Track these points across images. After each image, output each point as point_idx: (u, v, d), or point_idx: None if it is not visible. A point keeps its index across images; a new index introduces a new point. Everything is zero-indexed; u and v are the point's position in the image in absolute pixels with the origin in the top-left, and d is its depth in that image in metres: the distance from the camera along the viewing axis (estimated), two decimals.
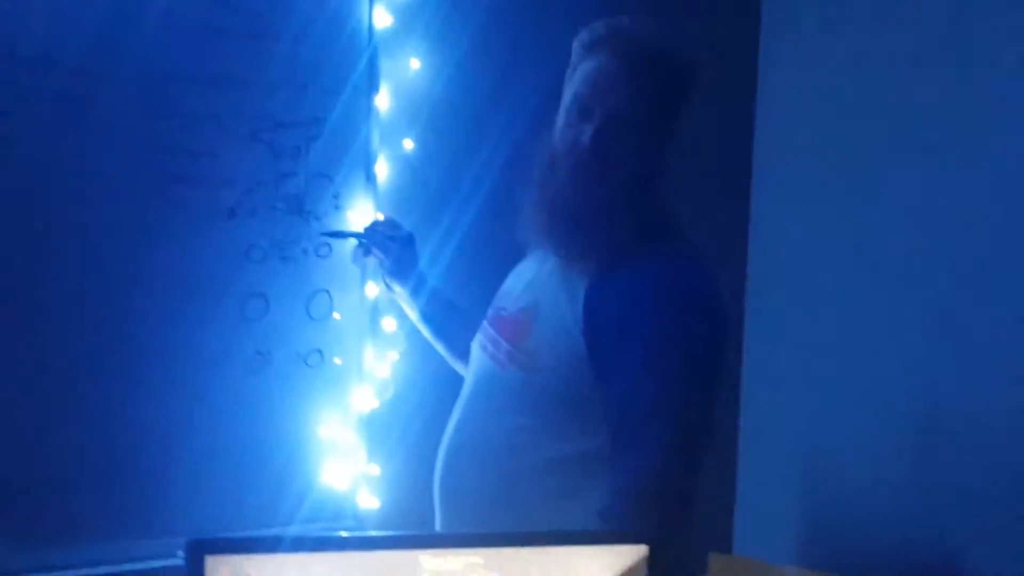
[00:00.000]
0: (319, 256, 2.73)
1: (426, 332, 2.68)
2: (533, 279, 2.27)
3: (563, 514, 2.08)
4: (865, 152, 2.92)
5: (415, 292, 2.64)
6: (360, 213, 2.76)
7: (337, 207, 2.75)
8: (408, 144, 2.83)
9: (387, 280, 2.68)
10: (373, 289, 2.77)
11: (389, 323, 2.80)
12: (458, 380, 2.40)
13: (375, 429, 2.79)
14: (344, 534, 2.44)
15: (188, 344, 2.59)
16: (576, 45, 2.20)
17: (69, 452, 2.48)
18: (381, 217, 2.76)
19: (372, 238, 2.66)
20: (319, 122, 2.70)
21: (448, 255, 2.80)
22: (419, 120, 2.84)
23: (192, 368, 2.61)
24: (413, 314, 2.68)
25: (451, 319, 2.63)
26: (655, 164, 2.15)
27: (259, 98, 2.63)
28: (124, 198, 2.50)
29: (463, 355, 2.50)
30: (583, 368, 2.07)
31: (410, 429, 2.61)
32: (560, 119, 2.17)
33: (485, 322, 2.33)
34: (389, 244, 2.64)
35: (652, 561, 1.78)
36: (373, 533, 2.57)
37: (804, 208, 3.10)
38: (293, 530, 2.51)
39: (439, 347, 2.67)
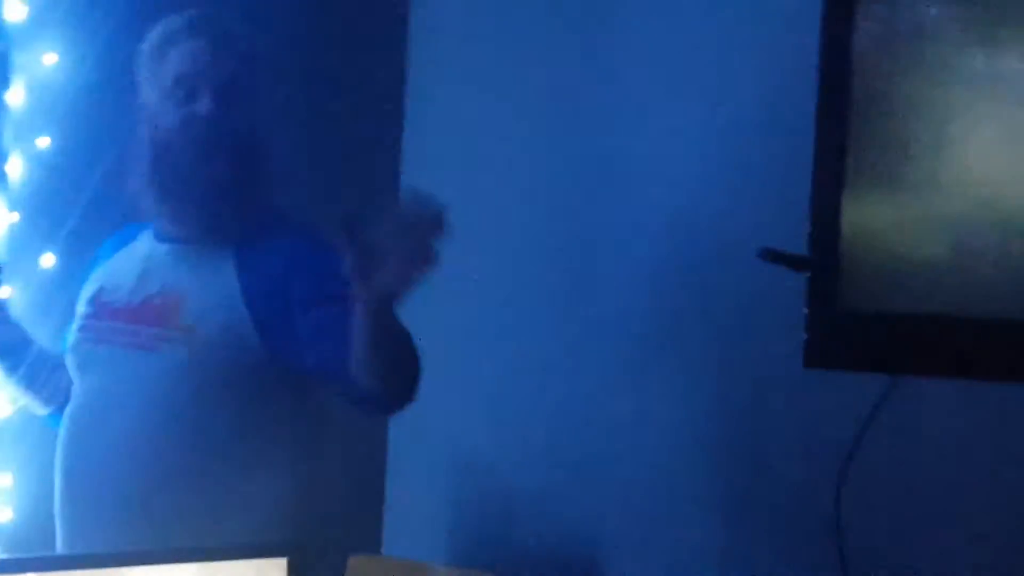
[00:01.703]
0: None
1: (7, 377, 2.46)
2: (149, 267, 2.33)
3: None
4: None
5: None
6: None
7: None
8: (43, 142, 2.72)
9: None
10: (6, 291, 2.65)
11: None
12: None
13: (7, 436, 2.67)
14: None
15: None
16: (151, 42, 2.34)
17: None
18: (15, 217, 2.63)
19: None
20: None
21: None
22: (55, 116, 2.73)
23: None
24: None
25: (40, 368, 2.43)
26: (268, 140, 2.35)
27: None
28: None
29: (53, 394, 2.42)
30: (250, 334, 2.22)
31: (47, 435, 2.50)
32: (157, 108, 2.30)
33: (86, 321, 2.34)
34: None
35: (292, 572, 1.81)
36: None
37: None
38: None
39: (21, 393, 2.48)
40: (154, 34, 2.35)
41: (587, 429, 2.78)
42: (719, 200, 2.52)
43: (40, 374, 2.43)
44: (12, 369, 2.42)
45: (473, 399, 3.00)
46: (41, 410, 2.48)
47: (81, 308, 2.39)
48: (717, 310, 2.55)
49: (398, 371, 2.14)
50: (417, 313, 2.08)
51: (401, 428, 3.13)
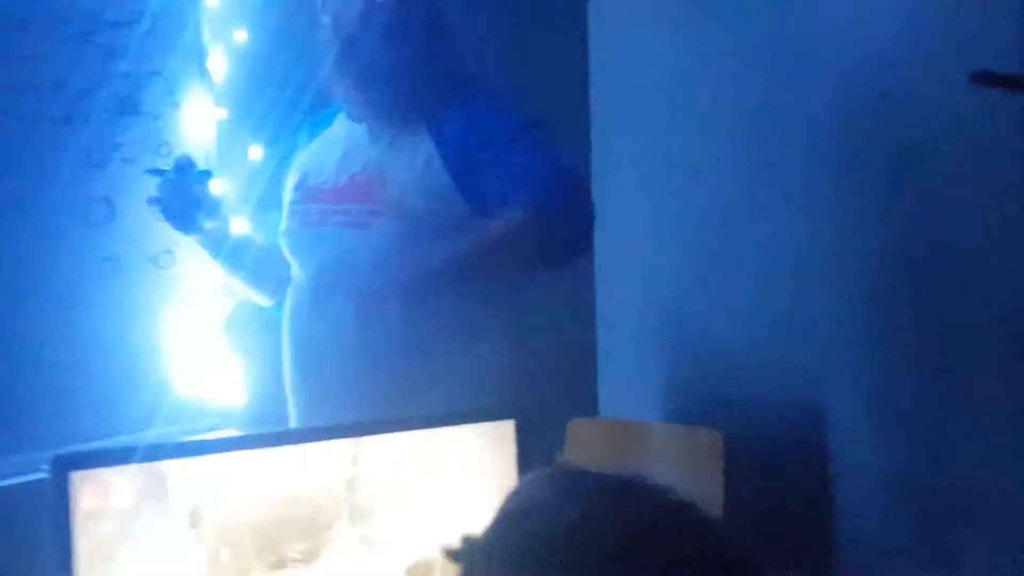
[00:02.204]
0: (161, 156, 2.67)
1: (232, 277, 2.58)
2: (349, 147, 2.40)
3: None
4: None
5: (211, 242, 2.47)
6: (198, 110, 2.70)
7: (175, 104, 2.70)
8: (240, 36, 2.77)
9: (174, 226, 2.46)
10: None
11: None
12: None
13: (236, 325, 2.77)
14: (207, 436, 2.47)
15: (34, 256, 2.53)
16: None
17: None
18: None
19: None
20: (146, 18, 2.63)
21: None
22: (252, 10, 2.78)
23: (41, 280, 2.54)
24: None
25: (263, 264, 2.51)
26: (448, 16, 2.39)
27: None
28: None
29: (276, 287, 2.50)
30: (455, 198, 2.28)
31: (275, 322, 2.59)
32: None
33: (296, 206, 2.40)
34: (170, 188, 2.39)
35: (519, 434, 1.85)
36: (237, 433, 2.57)
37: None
38: (154, 436, 2.49)
39: (247, 290, 2.60)
40: None
41: (795, 278, 2.74)
42: (924, 28, 2.42)
43: (262, 269, 2.50)
44: (236, 268, 2.51)
45: (680, 255, 2.98)
46: (266, 302, 2.57)
47: (289, 195, 2.45)
48: (925, 146, 2.46)
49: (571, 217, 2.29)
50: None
51: (609, 289, 3.13)
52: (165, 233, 2.59)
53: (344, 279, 2.33)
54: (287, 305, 2.44)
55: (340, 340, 2.33)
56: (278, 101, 2.70)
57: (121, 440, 2.49)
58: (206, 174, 2.42)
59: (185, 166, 2.38)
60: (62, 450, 1.64)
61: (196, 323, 2.75)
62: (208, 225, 2.41)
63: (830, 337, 2.67)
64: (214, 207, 2.41)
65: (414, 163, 2.33)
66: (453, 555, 1.10)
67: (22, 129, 2.50)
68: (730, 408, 2.78)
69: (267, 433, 1.99)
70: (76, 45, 2.55)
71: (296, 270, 2.42)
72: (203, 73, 2.73)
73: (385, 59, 2.31)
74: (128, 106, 2.64)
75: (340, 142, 2.43)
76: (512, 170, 2.29)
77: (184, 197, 2.37)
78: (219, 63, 2.74)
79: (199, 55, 2.72)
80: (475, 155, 2.31)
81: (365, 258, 2.32)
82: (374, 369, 2.29)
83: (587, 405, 3.06)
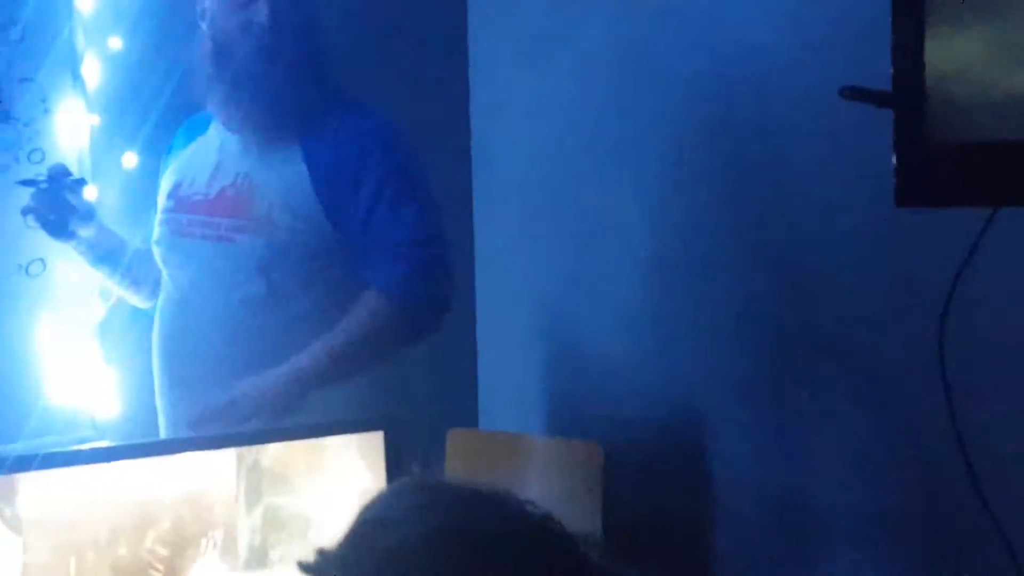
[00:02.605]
0: (32, 163, 2.62)
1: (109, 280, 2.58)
2: (222, 159, 2.39)
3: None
4: None
5: (86, 248, 2.48)
6: (71, 117, 2.65)
7: (46, 111, 2.65)
8: (115, 43, 2.72)
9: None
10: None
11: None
12: None
13: (109, 334, 2.72)
14: (85, 447, 2.42)
15: None
16: None
17: None
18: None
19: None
20: (18, 25, 2.59)
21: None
22: (126, 17, 2.74)
23: None
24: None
25: (138, 268, 2.52)
26: (326, 36, 2.39)
27: None
28: None
29: (153, 289, 2.49)
30: (320, 217, 2.29)
31: (148, 330, 2.56)
32: (216, 10, 2.32)
33: (168, 215, 2.40)
34: (44, 196, 2.40)
35: (388, 445, 1.83)
36: (111, 444, 2.52)
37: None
38: (25, 447, 2.43)
39: (125, 292, 2.59)
40: None
41: (672, 291, 2.76)
42: (794, 40, 2.46)
43: (138, 272, 2.51)
44: (112, 271, 2.52)
45: (559, 266, 2.99)
46: (143, 304, 2.56)
47: (162, 202, 2.44)
48: (797, 156, 2.49)
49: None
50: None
51: (489, 300, 3.13)
52: (36, 241, 2.56)
53: (209, 291, 2.33)
54: (156, 313, 2.43)
55: (204, 352, 2.32)
56: (152, 108, 2.67)
57: None
58: (80, 182, 2.45)
59: (59, 174, 2.40)
60: None
61: (69, 332, 2.69)
62: (83, 232, 2.43)
63: (707, 350, 2.70)
64: (88, 213, 2.43)
65: (282, 178, 2.33)
66: (306, 568, 1.09)
67: None
68: (609, 421, 2.79)
69: (131, 444, 1.96)
70: None
71: (166, 278, 2.41)
72: (76, 80, 2.68)
73: (261, 70, 2.30)
74: None
75: (214, 152, 2.42)
76: (380, 213, 2.29)
77: (58, 205, 2.40)
78: (93, 69, 2.69)
79: (72, 62, 2.67)
80: (343, 180, 2.31)
81: (228, 273, 2.31)
82: (242, 380, 2.27)
83: (467, 417, 3.06)
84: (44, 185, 2.38)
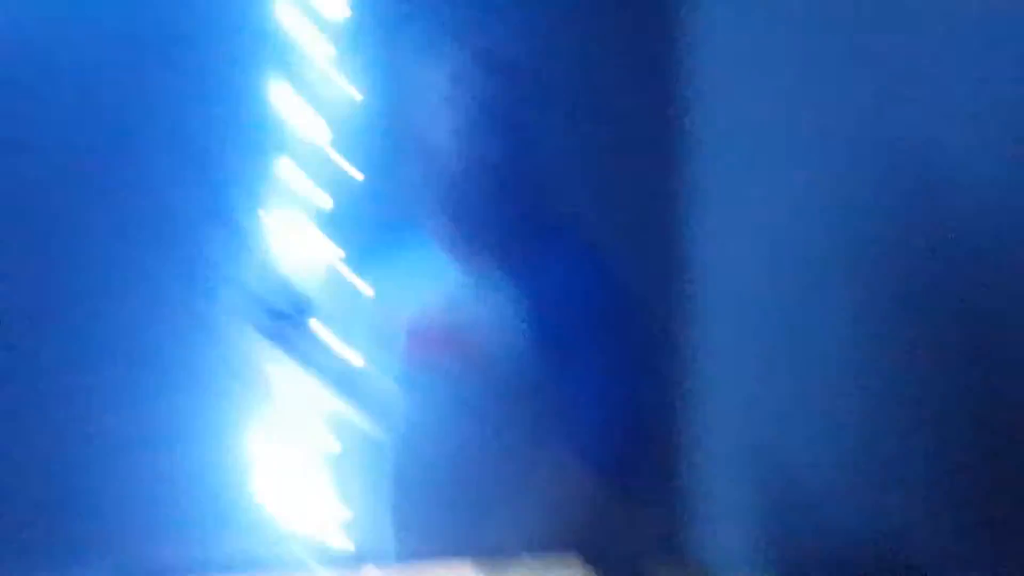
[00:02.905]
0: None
1: None
2: (445, 292, 2.46)
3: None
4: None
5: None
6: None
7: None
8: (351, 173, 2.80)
9: None
10: None
11: None
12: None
13: (345, 471, 2.77)
14: None
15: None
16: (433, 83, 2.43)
17: None
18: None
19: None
20: None
21: None
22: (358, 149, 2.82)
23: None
24: None
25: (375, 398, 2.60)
26: (553, 173, 2.46)
27: None
28: None
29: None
30: (531, 353, 2.34)
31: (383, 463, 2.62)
32: (445, 147, 2.39)
33: (394, 345, 2.49)
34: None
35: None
36: None
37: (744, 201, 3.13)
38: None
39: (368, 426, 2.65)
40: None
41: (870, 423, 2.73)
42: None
43: (375, 403, 2.57)
44: (348, 398, 2.57)
45: (770, 400, 2.98)
46: (382, 436, 2.61)
47: (390, 331, 2.52)
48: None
49: None
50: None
51: (698, 428, 3.12)
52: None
53: (431, 421, 2.44)
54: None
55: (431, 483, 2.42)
56: (388, 239, 2.76)
57: None
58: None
59: (302, 307, 2.48)
60: None
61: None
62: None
63: (923, 490, 2.63)
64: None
65: (500, 313, 2.39)
66: None
67: None
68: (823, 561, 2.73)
69: None
70: None
71: (395, 408, 2.51)
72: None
73: (488, 214, 2.42)
74: None
75: (437, 282, 2.51)
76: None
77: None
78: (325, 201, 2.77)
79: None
80: (563, 319, 2.36)
81: (448, 406, 2.41)
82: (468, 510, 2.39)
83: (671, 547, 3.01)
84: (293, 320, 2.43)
